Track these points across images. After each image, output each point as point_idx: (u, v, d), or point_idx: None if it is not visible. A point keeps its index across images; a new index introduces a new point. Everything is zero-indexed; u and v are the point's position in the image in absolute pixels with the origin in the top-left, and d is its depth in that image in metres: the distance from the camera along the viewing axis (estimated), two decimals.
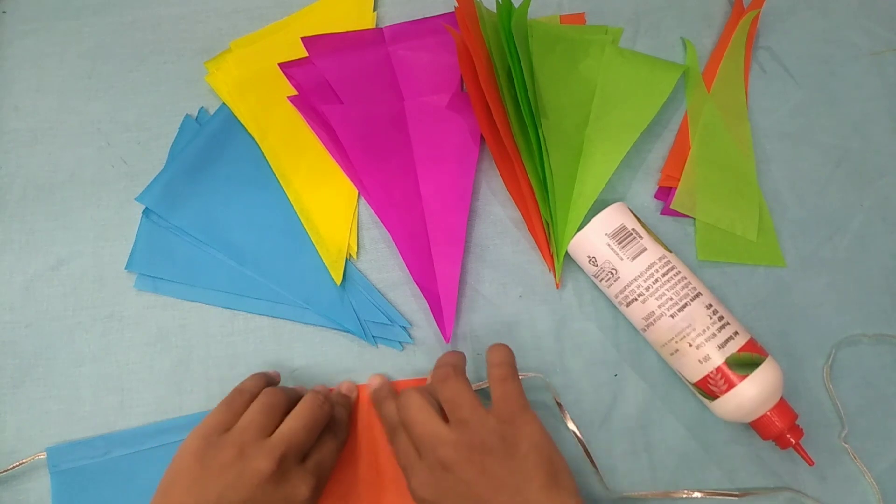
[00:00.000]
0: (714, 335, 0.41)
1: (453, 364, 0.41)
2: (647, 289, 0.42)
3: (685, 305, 0.42)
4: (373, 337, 0.47)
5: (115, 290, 0.49)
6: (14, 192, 0.51)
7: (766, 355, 0.42)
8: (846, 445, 0.45)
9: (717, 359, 0.41)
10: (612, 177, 0.50)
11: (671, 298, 0.42)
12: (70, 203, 0.51)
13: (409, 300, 0.49)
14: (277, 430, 0.38)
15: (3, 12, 0.56)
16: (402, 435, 0.40)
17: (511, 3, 0.49)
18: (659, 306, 0.42)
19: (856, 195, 0.51)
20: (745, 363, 0.41)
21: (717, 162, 0.51)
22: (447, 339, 0.47)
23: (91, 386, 0.47)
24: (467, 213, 0.49)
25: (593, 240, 0.45)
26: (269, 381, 0.43)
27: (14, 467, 0.44)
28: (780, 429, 0.41)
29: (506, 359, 0.41)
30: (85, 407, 0.46)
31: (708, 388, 0.41)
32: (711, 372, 0.41)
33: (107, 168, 0.52)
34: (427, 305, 0.47)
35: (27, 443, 0.45)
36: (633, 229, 0.44)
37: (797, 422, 0.42)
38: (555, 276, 0.49)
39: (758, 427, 0.42)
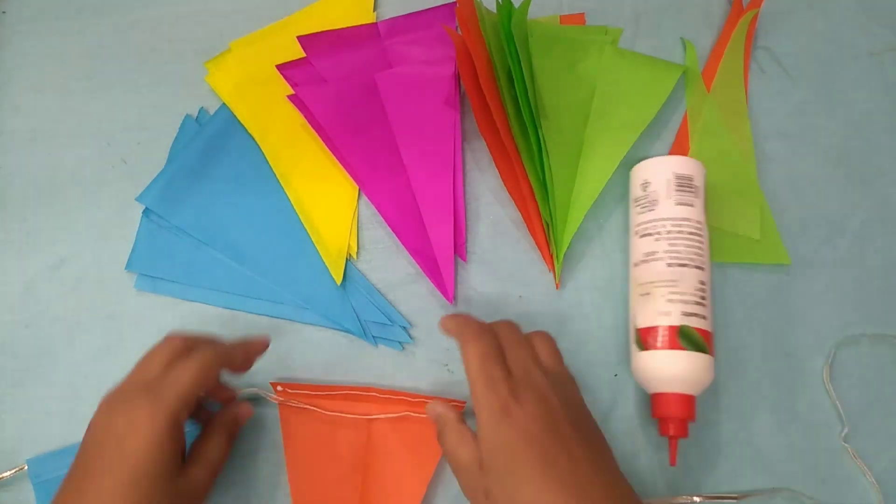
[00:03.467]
0: (685, 302, 0.42)
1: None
2: (668, 233, 0.44)
3: (684, 265, 0.43)
4: (373, 337, 0.47)
5: (115, 291, 0.49)
6: (14, 191, 0.51)
7: (713, 355, 0.42)
8: (846, 445, 0.45)
9: (675, 320, 0.42)
10: (612, 177, 0.50)
11: (678, 252, 0.43)
12: (70, 203, 0.51)
13: (409, 300, 0.49)
14: None
15: (3, 12, 0.56)
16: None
17: (511, 4, 0.49)
18: (665, 251, 0.43)
19: (855, 195, 0.51)
20: (691, 340, 0.42)
21: (717, 162, 0.51)
22: (451, 300, 0.47)
23: (91, 386, 0.47)
24: (452, 176, 0.50)
25: (660, 170, 0.45)
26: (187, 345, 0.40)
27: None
28: (672, 415, 0.41)
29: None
30: (85, 407, 0.45)
31: (647, 338, 0.42)
32: (662, 326, 0.42)
33: (107, 168, 0.52)
34: (425, 301, 0.48)
35: (27, 443, 0.45)
36: (696, 186, 0.45)
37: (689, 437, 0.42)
38: (555, 277, 0.49)
39: (656, 401, 0.42)
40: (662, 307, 0.42)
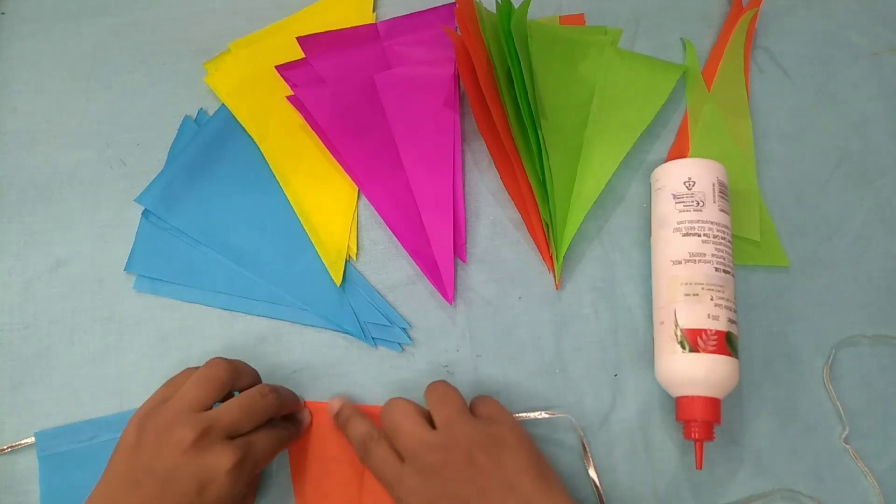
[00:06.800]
0: (729, 309, 0.43)
1: (441, 380, 0.43)
2: (714, 237, 0.44)
3: (727, 272, 0.44)
4: (372, 338, 0.47)
5: (114, 292, 0.49)
6: (13, 193, 0.51)
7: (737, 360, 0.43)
8: (847, 446, 0.45)
9: (722, 325, 0.42)
10: (612, 177, 0.50)
11: (723, 258, 0.44)
12: (69, 204, 0.51)
13: (408, 301, 0.48)
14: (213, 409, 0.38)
15: (2, 13, 0.56)
16: (379, 448, 0.39)
17: (511, 4, 0.49)
18: (712, 255, 0.44)
19: (855, 196, 0.51)
20: (734, 347, 0.42)
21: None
22: (450, 301, 0.47)
23: (90, 388, 0.47)
24: (451, 176, 0.50)
25: (704, 172, 0.46)
26: (234, 368, 0.41)
27: (3, 450, 0.45)
28: (706, 418, 0.41)
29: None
30: (84, 409, 0.46)
31: (695, 339, 0.42)
32: (712, 330, 0.42)
33: (106, 169, 0.52)
34: (425, 302, 0.48)
35: None
36: (729, 196, 0.47)
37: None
38: (554, 277, 0.48)
39: (684, 403, 0.42)
40: (712, 311, 0.42)
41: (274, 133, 0.52)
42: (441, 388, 0.41)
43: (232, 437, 0.38)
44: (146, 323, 0.48)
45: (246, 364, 0.43)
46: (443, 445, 0.38)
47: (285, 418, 0.44)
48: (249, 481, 0.39)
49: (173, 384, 0.40)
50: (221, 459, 0.36)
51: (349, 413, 0.43)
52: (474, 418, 0.39)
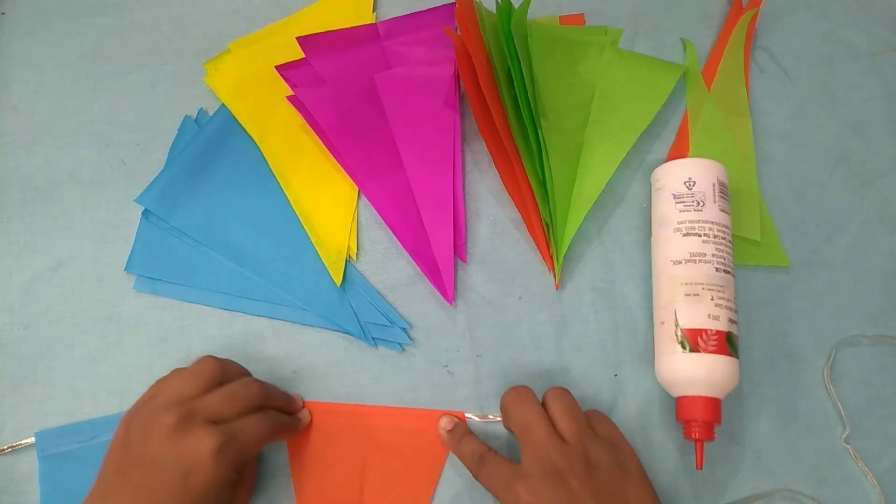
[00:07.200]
0: (730, 309, 0.43)
1: (562, 387, 0.43)
2: (715, 237, 0.44)
3: (728, 272, 0.44)
4: (372, 338, 0.47)
5: (114, 292, 0.49)
6: (13, 193, 0.51)
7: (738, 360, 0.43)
8: (847, 446, 0.45)
9: (723, 325, 0.42)
10: (612, 177, 0.50)
11: (724, 258, 0.44)
12: (69, 204, 0.51)
13: (408, 301, 0.48)
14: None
15: (2, 13, 0.56)
16: (495, 457, 0.41)
17: (511, 4, 0.49)
18: (713, 254, 0.44)
19: (855, 196, 0.51)
20: (735, 347, 0.43)
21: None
22: (450, 301, 0.47)
23: (90, 388, 0.47)
24: (451, 176, 0.50)
25: (704, 171, 0.46)
26: (222, 365, 0.41)
27: (3, 451, 0.45)
28: (706, 418, 0.41)
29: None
30: (84, 409, 0.46)
31: (695, 339, 0.42)
32: (712, 330, 0.42)
33: (106, 169, 0.52)
34: (425, 302, 0.48)
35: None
36: (730, 196, 0.47)
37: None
38: (554, 278, 0.48)
39: (685, 403, 0.42)
40: (713, 311, 0.42)
41: (274, 133, 0.52)
42: (568, 399, 0.42)
43: (216, 422, 0.38)
44: (146, 323, 0.48)
45: (236, 363, 0.43)
46: (575, 458, 0.38)
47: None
48: (238, 468, 0.38)
49: (161, 384, 0.40)
50: (203, 442, 0.36)
51: (463, 431, 0.44)
52: (602, 439, 0.40)
